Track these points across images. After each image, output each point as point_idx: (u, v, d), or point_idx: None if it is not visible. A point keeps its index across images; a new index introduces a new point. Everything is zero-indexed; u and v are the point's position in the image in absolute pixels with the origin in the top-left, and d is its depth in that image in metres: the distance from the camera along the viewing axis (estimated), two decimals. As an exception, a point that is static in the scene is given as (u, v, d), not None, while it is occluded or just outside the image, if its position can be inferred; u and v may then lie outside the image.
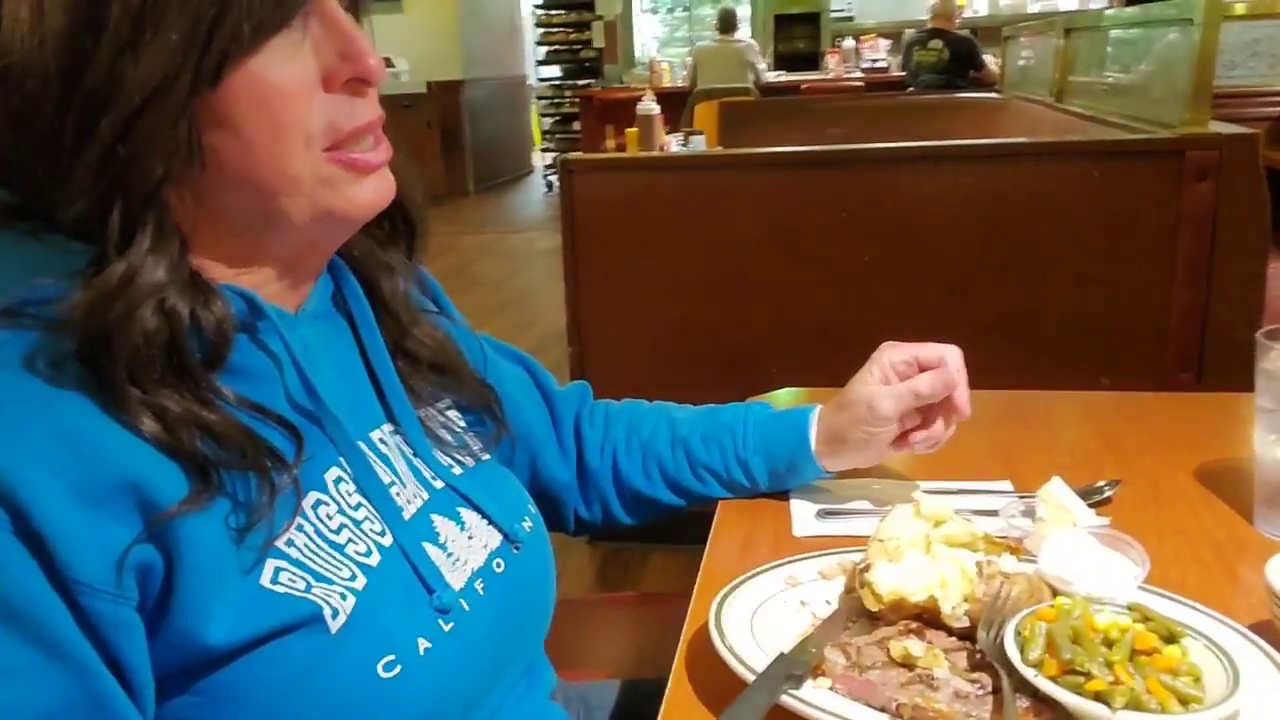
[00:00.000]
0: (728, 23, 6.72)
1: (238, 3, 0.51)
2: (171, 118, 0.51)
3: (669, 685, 0.64)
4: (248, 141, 0.54)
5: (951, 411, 0.82)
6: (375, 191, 0.60)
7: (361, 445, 0.63)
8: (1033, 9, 8.15)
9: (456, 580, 0.62)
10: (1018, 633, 0.57)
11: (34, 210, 0.54)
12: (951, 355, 0.82)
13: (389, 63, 8.27)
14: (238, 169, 0.55)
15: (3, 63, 0.51)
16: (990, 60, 5.68)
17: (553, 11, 9.21)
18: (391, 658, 0.56)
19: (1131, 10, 3.03)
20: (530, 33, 9.79)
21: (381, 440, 0.65)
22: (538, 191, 9.12)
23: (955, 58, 5.91)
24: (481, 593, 0.64)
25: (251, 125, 0.53)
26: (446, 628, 0.60)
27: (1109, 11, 3.74)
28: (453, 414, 0.73)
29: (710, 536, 0.82)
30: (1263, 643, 0.59)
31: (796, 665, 0.58)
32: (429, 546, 0.62)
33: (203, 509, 0.52)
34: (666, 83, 7.15)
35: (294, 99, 0.54)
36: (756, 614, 0.66)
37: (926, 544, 0.66)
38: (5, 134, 0.52)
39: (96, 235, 0.52)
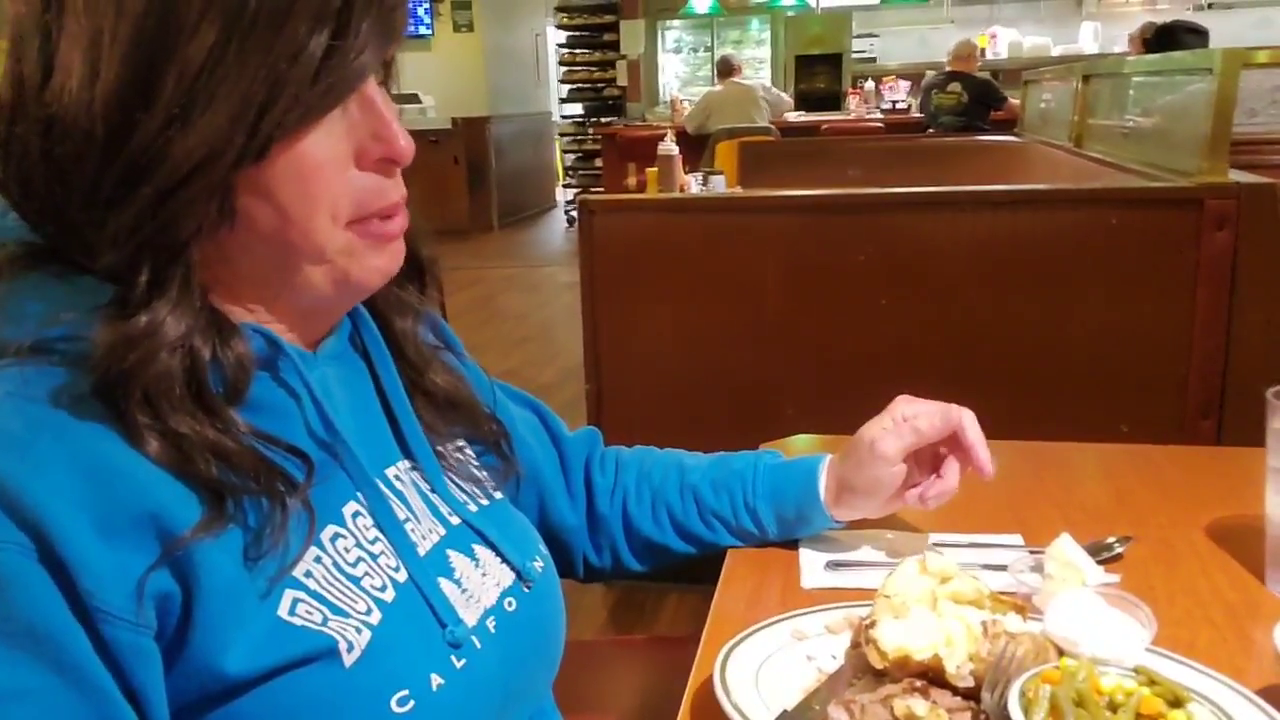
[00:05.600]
0: (725, 70, 6.81)
1: (287, 88, 0.52)
2: (211, 190, 0.53)
3: (673, 738, 0.64)
4: (279, 210, 0.56)
5: (972, 469, 0.83)
6: (391, 259, 0.62)
7: (378, 482, 0.64)
8: (1054, 53, 8.20)
9: (470, 617, 0.64)
10: (1022, 694, 0.57)
11: (63, 253, 0.56)
12: (966, 420, 0.83)
13: (415, 99, 8.42)
14: (265, 233, 0.57)
15: (50, 110, 0.52)
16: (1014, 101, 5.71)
17: (577, 50, 9.34)
18: (405, 693, 0.57)
19: (1151, 58, 3.05)
20: (555, 70, 9.94)
21: (397, 477, 0.67)
22: (560, 226, 9.19)
23: (974, 100, 5.94)
24: (493, 631, 0.65)
25: (284, 196, 0.56)
26: (459, 664, 0.61)
27: (1129, 59, 3.76)
28: (468, 451, 0.75)
29: (718, 586, 0.83)
30: (1270, 709, 0.58)
31: (800, 722, 0.59)
32: (444, 582, 0.64)
33: (216, 535, 0.53)
34: (688, 121, 7.24)
35: (327, 174, 0.56)
36: (762, 668, 0.67)
37: (933, 600, 0.66)
38: (47, 177, 0.54)
39: (124, 282, 0.54)
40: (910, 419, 0.83)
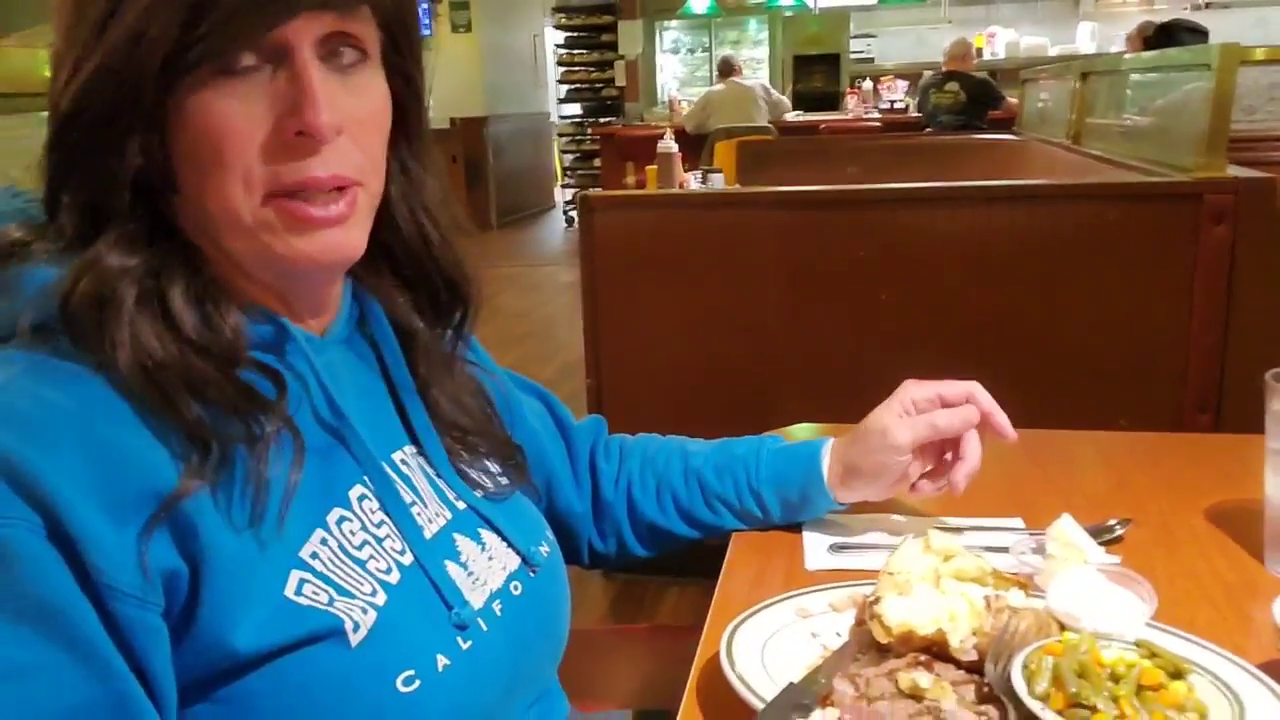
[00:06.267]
0: (726, 70, 6.81)
1: (162, 37, 0.53)
2: (94, 139, 0.55)
3: (679, 714, 0.65)
4: (196, 170, 0.57)
5: (995, 437, 0.83)
6: (319, 247, 0.59)
7: (384, 465, 0.65)
8: (1051, 52, 8.22)
9: (476, 599, 0.64)
10: (1025, 666, 0.58)
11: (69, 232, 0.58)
12: (977, 391, 0.83)
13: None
14: (192, 195, 0.58)
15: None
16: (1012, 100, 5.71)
17: (575, 51, 9.34)
18: (411, 673, 0.58)
19: (1149, 55, 3.06)
20: (553, 71, 9.94)
21: (403, 461, 0.67)
22: (559, 226, 9.20)
23: (972, 99, 5.95)
24: (499, 614, 0.65)
25: (199, 155, 0.56)
26: (465, 645, 0.61)
27: (1127, 56, 3.77)
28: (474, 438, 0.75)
29: (723, 569, 0.83)
30: (1270, 680, 0.59)
31: (805, 695, 0.59)
32: (450, 565, 0.64)
33: (206, 482, 0.54)
34: (686, 121, 7.24)
35: (235, 137, 0.56)
36: (767, 644, 0.67)
37: (936, 578, 0.67)
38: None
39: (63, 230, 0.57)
40: (924, 409, 0.83)
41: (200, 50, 0.54)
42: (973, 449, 0.83)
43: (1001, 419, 0.82)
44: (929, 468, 0.85)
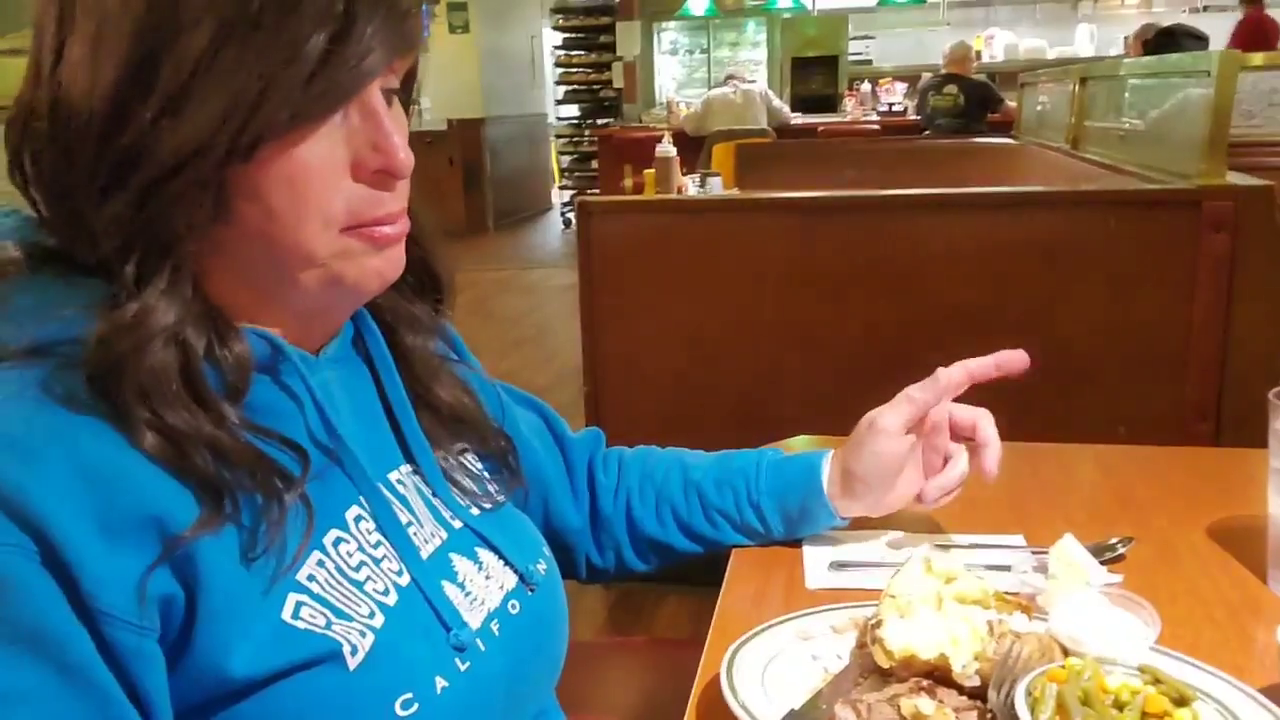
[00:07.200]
0: (728, 76, 6.87)
1: (281, 88, 0.52)
2: (200, 183, 0.53)
3: (680, 738, 0.64)
4: (269, 211, 0.55)
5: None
6: (389, 263, 0.61)
7: (380, 486, 0.64)
8: (1050, 55, 8.23)
9: (473, 620, 0.64)
10: (1028, 693, 0.57)
11: (65, 254, 0.56)
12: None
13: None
14: (257, 233, 0.56)
15: (57, 92, 0.53)
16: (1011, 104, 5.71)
17: (573, 52, 9.34)
18: (409, 696, 0.57)
19: (1148, 60, 3.06)
20: (550, 72, 9.94)
21: (399, 481, 0.67)
22: (556, 228, 9.20)
23: (971, 102, 5.95)
24: (497, 634, 0.65)
25: (275, 197, 0.55)
26: (463, 667, 0.61)
27: (1126, 61, 3.77)
28: (470, 457, 0.75)
29: (723, 588, 0.83)
30: (1275, 707, 0.59)
31: (807, 721, 0.59)
32: (447, 585, 0.64)
33: (215, 532, 0.53)
34: (685, 123, 7.24)
35: (319, 180, 0.56)
36: (768, 668, 0.67)
37: (938, 601, 0.66)
38: (54, 158, 0.55)
39: (115, 274, 0.54)
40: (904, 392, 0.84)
41: (319, 105, 0.54)
42: (989, 433, 0.84)
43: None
44: (933, 480, 0.85)
